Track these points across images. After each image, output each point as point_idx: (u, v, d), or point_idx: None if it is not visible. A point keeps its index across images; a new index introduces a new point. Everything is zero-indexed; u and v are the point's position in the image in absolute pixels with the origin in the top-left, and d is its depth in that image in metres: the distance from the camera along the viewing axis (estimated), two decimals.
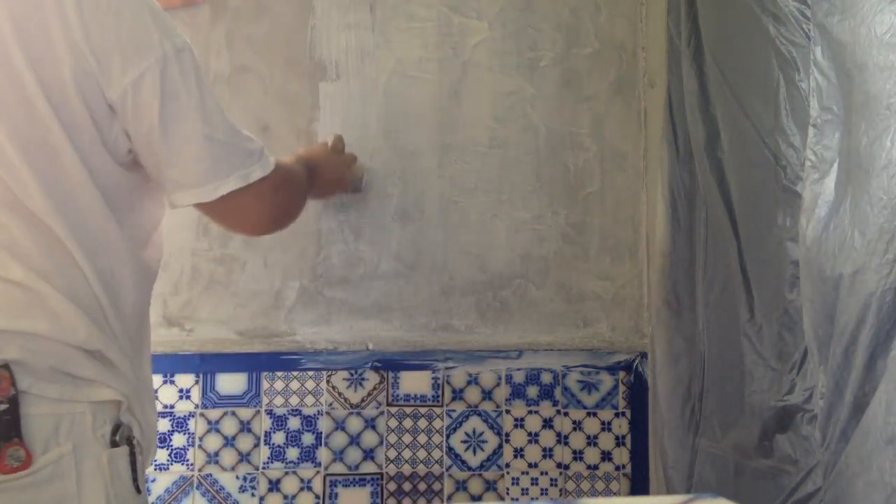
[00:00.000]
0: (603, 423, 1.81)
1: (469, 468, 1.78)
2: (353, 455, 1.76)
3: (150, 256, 1.17)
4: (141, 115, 1.05)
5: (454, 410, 1.79)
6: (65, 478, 0.99)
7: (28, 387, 0.97)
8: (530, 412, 1.80)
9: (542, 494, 1.78)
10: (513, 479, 1.79)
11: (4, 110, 1.01)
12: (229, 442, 1.74)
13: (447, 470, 1.78)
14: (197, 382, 1.74)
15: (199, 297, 1.77)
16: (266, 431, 1.75)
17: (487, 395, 1.80)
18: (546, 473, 1.79)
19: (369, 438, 1.77)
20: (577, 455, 1.80)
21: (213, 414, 1.74)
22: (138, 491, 1.07)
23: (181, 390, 1.74)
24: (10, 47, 1.00)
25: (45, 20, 1.01)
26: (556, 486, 1.79)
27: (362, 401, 1.77)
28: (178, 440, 1.72)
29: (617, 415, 1.82)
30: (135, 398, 1.09)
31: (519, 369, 1.81)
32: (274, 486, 1.74)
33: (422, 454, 1.78)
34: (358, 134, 1.82)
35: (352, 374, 1.77)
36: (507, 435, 1.79)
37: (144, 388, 1.15)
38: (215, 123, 1.10)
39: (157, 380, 1.73)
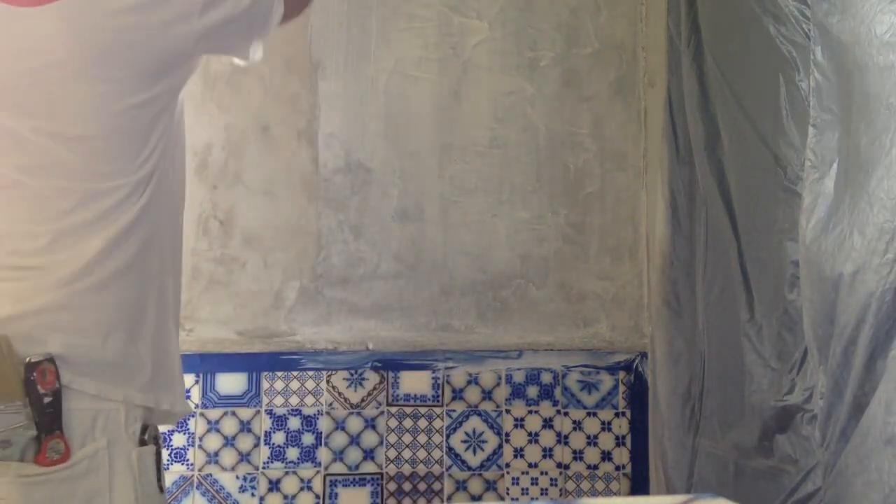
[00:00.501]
0: (603, 423, 1.81)
1: (469, 468, 1.78)
2: (353, 455, 1.76)
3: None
4: (219, 34, 1.13)
5: (454, 410, 1.79)
6: (99, 472, 1.00)
7: (69, 381, 0.99)
8: (530, 412, 1.80)
9: (542, 494, 1.78)
10: (513, 479, 1.79)
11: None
12: (229, 442, 1.74)
13: (447, 470, 1.78)
14: (197, 382, 1.74)
15: (199, 297, 1.77)
16: (266, 431, 1.75)
17: (487, 395, 1.80)
18: (546, 473, 1.79)
19: (369, 438, 1.77)
20: (577, 455, 1.80)
21: (213, 414, 1.74)
22: (161, 490, 1.09)
23: None
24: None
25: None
26: (556, 486, 1.79)
27: (362, 401, 1.77)
28: (178, 440, 1.72)
29: (617, 415, 1.82)
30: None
31: (519, 369, 1.81)
32: (274, 486, 1.74)
33: (422, 454, 1.78)
34: (358, 134, 1.82)
35: (352, 374, 1.77)
36: (507, 435, 1.79)
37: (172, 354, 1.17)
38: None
39: None
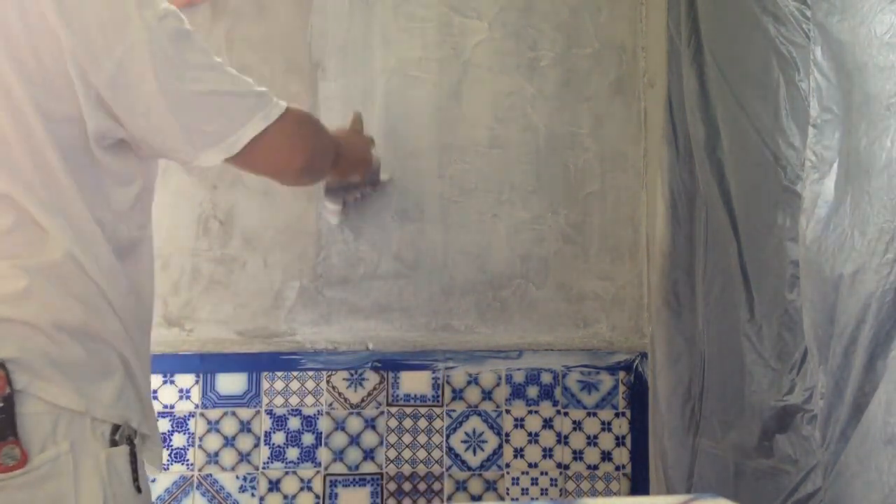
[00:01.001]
0: (603, 423, 1.81)
1: (469, 468, 1.78)
2: (353, 455, 1.76)
3: (132, 235, 1.14)
4: (137, 91, 1.03)
5: (454, 410, 1.79)
6: (62, 477, 0.98)
7: (25, 385, 0.97)
8: (530, 412, 1.80)
9: (542, 494, 1.78)
10: (513, 479, 1.79)
11: None
12: (229, 442, 1.74)
13: (447, 470, 1.78)
14: (197, 382, 1.74)
15: (199, 297, 1.77)
16: (266, 431, 1.75)
17: (487, 395, 1.80)
18: (546, 473, 1.79)
19: (369, 438, 1.77)
20: (577, 455, 1.80)
21: (213, 414, 1.74)
22: (139, 490, 1.06)
23: (181, 390, 1.73)
24: None
25: (22, 12, 0.99)
26: (556, 486, 1.79)
27: (362, 401, 1.77)
28: (178, 440, 1.72)
29: (617, 415, 1.82)
30: (135, 381, 1.09)
31: (519, 369, 1.81)
32: (274, 486, 1.74)
33: (422, 454, 1.78)
34: None
35: (352, 374, 1.77)
36: (507, 435, 1.79)
37: (143, 373, 1.14)
38: (216, 77, 1.09)
39: (157, 380, 1.73)
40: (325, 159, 1.30)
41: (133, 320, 1.11)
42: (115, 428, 1.04)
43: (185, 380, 1.74)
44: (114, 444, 1.03)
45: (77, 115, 1.02)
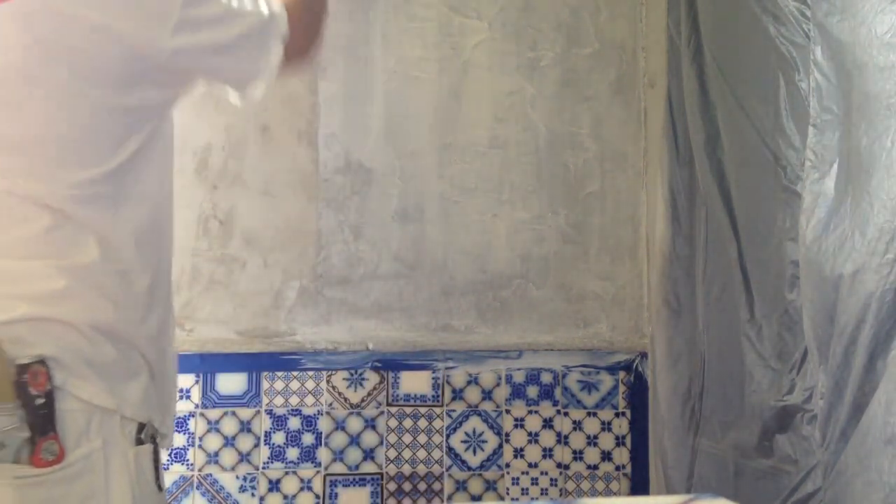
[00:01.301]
0: (603, 423, 1.81)
1: (469, 468, 1.78)
2: (353, 455, 1.76)
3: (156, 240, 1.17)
4: (200, 54, 1.10)
5: (454, 410, 1.79)
6: (94, 473, 1.00)
7: (62, 382, 0.99)
8: (530, 412, 1.80)
9: (542, 494, 1.78)
10: (513, 479, 1.79)
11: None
12: (229, 442, 1.74)
13: (447, 470, 1.78)
14: (197, 382, 1.74)
15: (199, 297, 1.77)
16: (266, 431, 1.75)
17: (487, 395, 1.80)
18: (546, 473, 1.79)
19: (369, 438, 1.77)
20: (577, 455, 1.80)
21: (213, 414, 1.74)
22: (160, 489, 1.09)
23: (181, 390, 1.73)
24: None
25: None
26: (556, 486, 1.79)
27: (362, 401, 1.77)
28: (178, 440, 1.72)
29: (617, 415, 1.82)
30: (159, 385, 1.11)
31: (519, 369, 1.81)
32: (274, 486, 1.74)
33: (422, 454, 1.78)
34: (358, 134, 1.82)
35: (352, 374, 1.77)
36: (507, 435, 1.79)
37: (168, 371, 1.16)
38: (244, 21, 1.13)
39: None
40: (321, 20, 1.33)
41: (159, 324, 1.13)
42: (141, 427, 1.06)
43: (185, 380, 1.74)
44: (139, 442, 1.05)
45: (118, 104, 1.05)
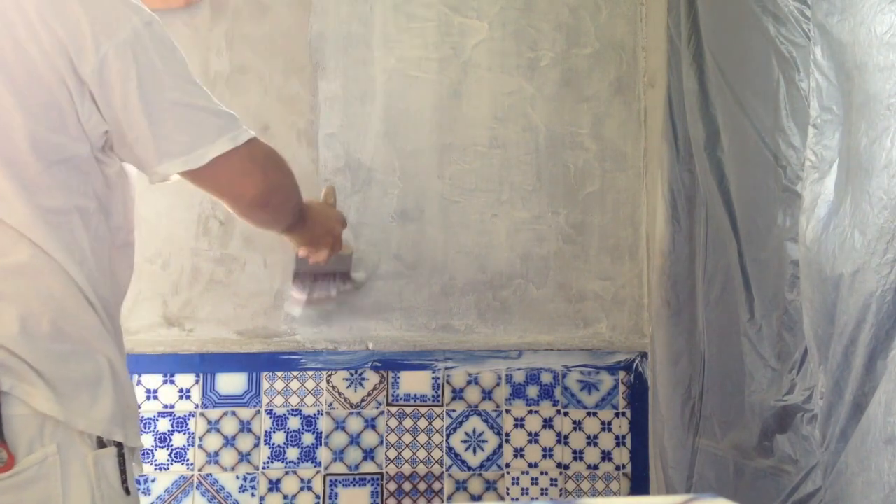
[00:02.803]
0: (603, 423, 1.81)
1: (469, 468, 1.78)
2: (353, 455, 1.76)
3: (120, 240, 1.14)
4: (117, 89, 1.04)
5: (454, 410, 1.79)
6: (49, 479, 0.97)
7: (10, 387, 0.96)
8: (530, 412, 1.80)
9: (542, 494, 1.78)
10: (513, 478, 1.79)
11: None
12: (229, 442, 1.74)
13: (447, 470, 1.78)
14: (197, 382, 1.74)
15: (199, 297, 1.77)
16: (266, 431, 1.75)
17: (487, 395, 1.80)
18: (546, 473, 1.79)
19: (369, 438, 1.77)
20: (577, 455, 1.80)
21: (213, 414, 1.74)
22: (127, 492, 1.05)
23: (181, 390, 1.73)
24: None
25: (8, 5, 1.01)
26: (556, 486, 1.79)
27: (362, 401, 1.77)
28: (178, 440, 1.72)
29: (617, 415, 1.82)
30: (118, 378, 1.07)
31: (519, 369, 1.81)
32: (274, 486, 1.74)
33: (422, 454, 1.78)
34: (358, 134, 1.82)
35: (352, 374, 1.77)
36: (507, 435, 1.79)
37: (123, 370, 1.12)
38: (194, 91, 1.10)
39: (157, 380, 1.73)
40: (284, 201, 1.25)
41: (112, 320, 1.10)
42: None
43: (185, 380, 1.74)
44: (101, 445, 1.02)
45: (64, 112, 1.03)
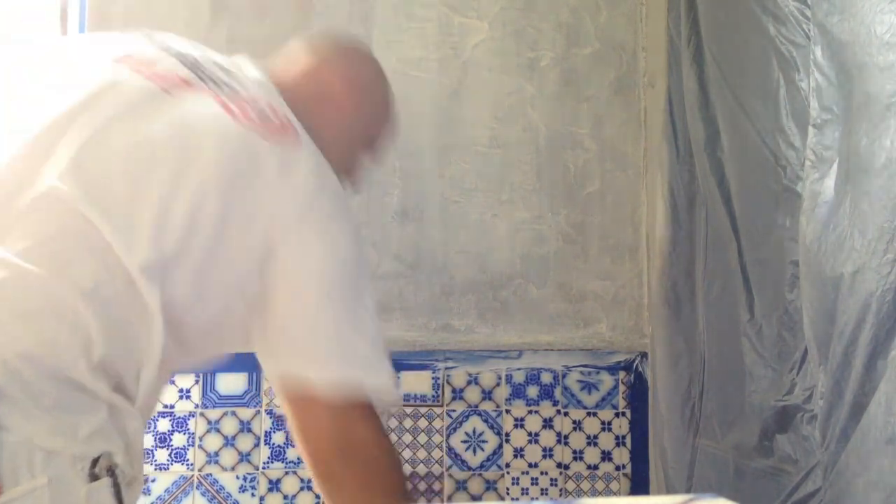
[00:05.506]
0: (603, 423, 1.81)
1: (469, 468, 1.78)
2: None
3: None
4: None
5: (454, 410, 1.79)
6: None
7: (2, 415, 0.88)
8: (530, 412, 1.80)
9: (542, 494, 1.78)
10: (513, 478, 1.79)
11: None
12: (229, 442, 1.74)
13: (447, 470, 1.78)
14: (197, 382, 1.74)
15: None
16: (266, 431, 1.75)
17: (487, 395, 1.80)
18: (546, 473, 1.79)
19: None
20: (578, 455, 1.80)
21: (214, 414, 1.74)
22: None
23: (181, 390, 1.73)
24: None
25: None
26: (556, 486, 1.79)
27: None
28: (178, 440, 1.72)
29: (617, 415, 1.82)
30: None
31: (519, 369, 1.81)
32: (274, 485, 1.74)
33: (422, 454, 1.77)
34: None
35: None
36: (507, 435, 1.79)
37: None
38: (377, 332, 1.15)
39: None
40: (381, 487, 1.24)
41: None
42: (95, 460, 0.94)
43: (185, 380, 1.74)
44: (94, 477, 0.94)
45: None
